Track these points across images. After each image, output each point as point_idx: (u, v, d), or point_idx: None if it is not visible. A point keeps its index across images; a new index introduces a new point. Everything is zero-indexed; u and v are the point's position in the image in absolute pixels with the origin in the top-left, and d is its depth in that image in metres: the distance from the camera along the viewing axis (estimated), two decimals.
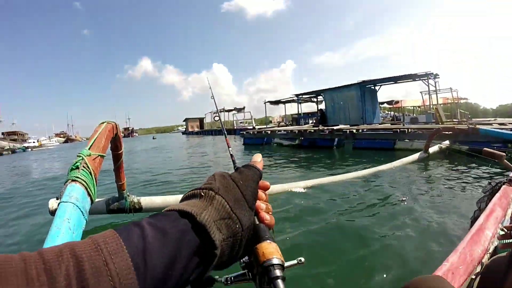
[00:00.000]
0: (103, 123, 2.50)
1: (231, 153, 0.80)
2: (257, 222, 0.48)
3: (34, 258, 0.27)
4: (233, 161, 0.69)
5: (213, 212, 0.39)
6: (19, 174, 12.44)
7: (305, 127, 18.53)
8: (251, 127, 27.89)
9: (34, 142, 51.56)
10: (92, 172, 2.01)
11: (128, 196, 3.64)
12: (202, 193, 0.42)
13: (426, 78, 16.66)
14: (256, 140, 17.88)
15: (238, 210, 0.42)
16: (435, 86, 17.10)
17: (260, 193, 0.51)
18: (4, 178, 11.25)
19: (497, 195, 2.04)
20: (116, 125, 2.64)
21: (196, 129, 52.45)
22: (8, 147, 38.92)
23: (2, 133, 55.05)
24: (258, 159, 0.54)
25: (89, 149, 2.14)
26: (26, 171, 13.77)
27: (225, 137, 1.00)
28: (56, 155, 24.14)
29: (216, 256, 0.38)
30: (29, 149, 39.92)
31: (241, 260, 0.49)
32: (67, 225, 1.50)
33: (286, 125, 26.12)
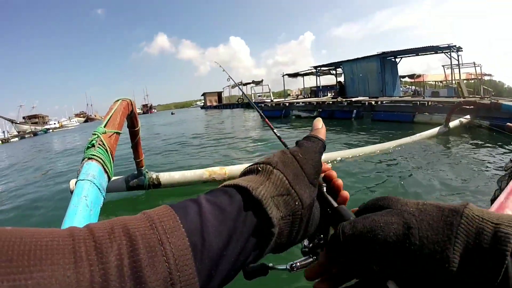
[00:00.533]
0: (118, 100, 2.50)
1: (277, 134, 0.76)
2: (335, 205, 0.44)
3: (83, 234, 0.25)
4: (283, 143, 0.64)
5: (270, 187, 0.36)
6: (44, 150, 12.75)
7: (323, 99, 18.32)
8: (269, 100, 27.73)
9: (54, 123, 52.68)
10: (108, 149, 2.02)
11: (147, 172, 3.70)
12: (259, 168, 0.39)
13: (448, 50, 15.94)
14: (274, 112, 17.78)
15: (297, 186, 0.38)
16: (458, 60, 16.34)
17: (331, 172, 0.48)
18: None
19: None
20: (131, 102, 2.64)
21: (215, 103, 51.60)
22: (30, 130, 39.81)
23: (24, 117, 56.24)
24: (319, 125, 0.48)
25: (104, 126, 2.15)
26: (49, 148, 14.14)
27: (264, 117, 0.95)
28: (77, 134, 24.63)
29: (274, 235, 0.35)
30: (50, 131, 40.74)
31: (303, 245, 0.46)
32: (84, 202, 1.52)
33: (305, 98, 25.77)
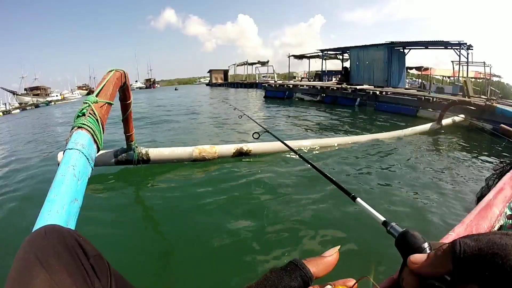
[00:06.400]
0: (111, 70, 2.46)
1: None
2: None
3: None
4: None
5: None
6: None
7: (328, 83, 18.22)
8: (273, 81, 27.58)
9: (57, 95, 51.64)
10: (99, 119, 1.99)
11: (136, 147, 3.68)
12: None
13: (458, 47, 15.52)
14: (277, 93, 18.10)
15: None
16: (467, 58, 15.90)
17: None
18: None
19: (508, 174, 1.97)
20: (124, 73, 2.59)
21: (220, 81, 52.03)
22: (32, 102, 39.39)
23: (25, 89, 55.41)
24: (329, 252, 0.44)
25: (96, 96, 2.12)
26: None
27: None
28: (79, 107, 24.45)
29: None
30: (52, 103, 40.43)
31: None
32: (72, 172, 1.49)
33: (309, 81, 25.56)
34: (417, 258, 0.38)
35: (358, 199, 0.82)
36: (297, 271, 0.39)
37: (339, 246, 0.45)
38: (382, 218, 0.63)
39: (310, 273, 0.40)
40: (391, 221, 0.57)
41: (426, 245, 0.42)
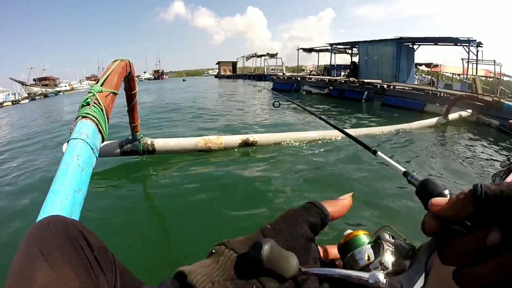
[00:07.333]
0: (116, 60, 2.44)
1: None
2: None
3: None
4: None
5: (215, 271, 0.32)
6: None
7: (336, 78, 18.14)
8: (281, 74, 27.53)
9: (65, 86, 52.32)
10: (103, 109, 1.98)
11: (142, 138, 3.67)
12: (213, 250, 0.36)
13: (467, 44, 15.25)
14: (285, 85, 18.17)
15: None
16: (477, 55, 15.69)
17: None
18: None
19: None
20: (130, 63, 2.57)
21: (229, 73, 52.63)
22: (40, 92, 39.96)
23: (34, 79, 55.84)
24: (344, 196, 0.44)
25: (101, 85, 2.10)
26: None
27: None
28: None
29: None
30: (61, 93, 41.17)
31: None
32: (76, 162, 1.48)
33: (318, 74, 25.40)
34: (439, 201, 0.38)
35: (379, 153, 0.84)
36: (314, 209, 0.41)
37: (352, 193, 0.45)
38: (403, 169, 0.67)
39: (326, 211, 0.41)
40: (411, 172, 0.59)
41: (447, 191, 0.42)
